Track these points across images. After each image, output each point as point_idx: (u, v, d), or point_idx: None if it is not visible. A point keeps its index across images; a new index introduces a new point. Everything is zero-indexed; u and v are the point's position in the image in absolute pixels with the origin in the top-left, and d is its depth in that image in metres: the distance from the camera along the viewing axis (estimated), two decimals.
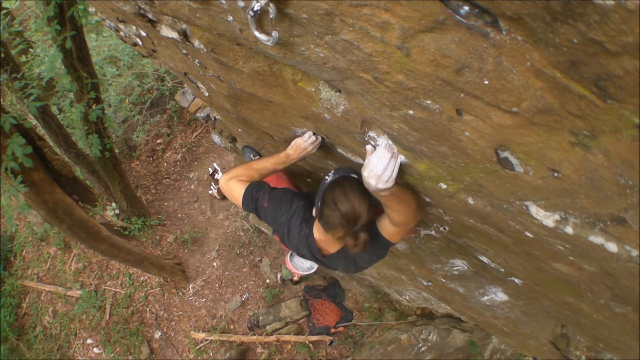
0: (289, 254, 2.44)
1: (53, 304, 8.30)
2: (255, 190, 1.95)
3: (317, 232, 1.87)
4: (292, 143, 2.00)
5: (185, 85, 7.28)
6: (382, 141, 1.49)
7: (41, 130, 6.22)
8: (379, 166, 1.45)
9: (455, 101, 1.06)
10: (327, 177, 1.77)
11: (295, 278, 7.22)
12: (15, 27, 7.12)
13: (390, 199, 1.58)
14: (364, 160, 1.55)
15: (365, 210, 1.62)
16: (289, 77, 1.56)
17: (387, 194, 1.54)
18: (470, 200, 1.49)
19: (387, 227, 1.79)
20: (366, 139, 1.54)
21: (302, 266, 2.47)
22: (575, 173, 1.03)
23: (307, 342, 7.10)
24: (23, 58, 6.63)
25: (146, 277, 8.04)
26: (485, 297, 2.88)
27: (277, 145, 2.66)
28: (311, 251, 1.93)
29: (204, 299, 7.79)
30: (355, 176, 1.69)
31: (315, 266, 2.45)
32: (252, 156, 3.05)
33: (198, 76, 2.24)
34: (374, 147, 1.52)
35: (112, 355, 7.68)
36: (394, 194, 1.56)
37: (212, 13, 1.32)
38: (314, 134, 1.94)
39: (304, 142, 1.96)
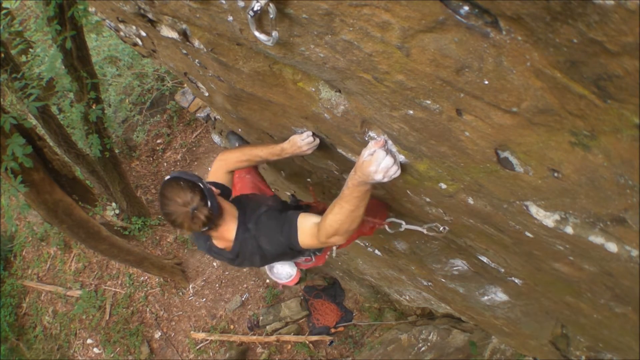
0: (267, 267, 2.45)
1: (53, 304, 8.30)
2: None
3: (212, 236, 1.91)
4: (290, 138, 2.02)
5: (185, 85, 7.28)
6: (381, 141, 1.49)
7: (41, 130, 6.23)
8: (388, 159, 1.43)
9: (455, 101, 1.06)
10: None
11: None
12: (15, 27, 7.12)
13: (359, 196, 1.52)
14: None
15: (190, 194, 1.64)
16: (289, 77, 1.56)
17: (364, 189, 1.50)
18: (470, 200, 1.49)
19: (308, 226, 1.72)
20: (366, 139, 1.54)
21: (281, 275, 2.48)
22: (575, 173, 1.03)
23: (307, 342, 7.10)
24: (23, 58, 6.63)
25: (146, 277, 8.04)
26: (485, 297, 2.88)
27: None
28: (221, 255, 1.97)
29: (204, 299, 7.79)
30: (170, 176, 1.72)
31: (293, 273, 2.45)
32: (236, 144, 3.05)
33: (198, 76, 2.24)
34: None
35: (112, 355, 7.68)
36: (366, 192, 1.53)
37: (212, 13, 1.32)
38: (313, 134, 1.94)
39: (301, 141, 1.96)
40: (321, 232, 1.66)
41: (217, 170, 2.12)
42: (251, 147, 2.19)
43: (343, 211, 1.57)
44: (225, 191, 2.04)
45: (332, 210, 1.60)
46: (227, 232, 1.84)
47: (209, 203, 1.68)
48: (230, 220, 1.83)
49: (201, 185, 1.70)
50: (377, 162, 1.44)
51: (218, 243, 1.92)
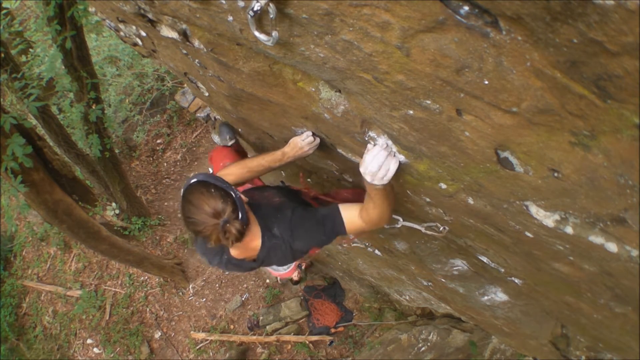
0: None
1: (53, 304, 8.30)
2: None
3: (231, 250, 1.80)
4: (290, 141, 2.00)
5: (185, 85, 7.28)
6: (381, 141, 1.50)
7: (41, 130, 6.23)
8: (374, 164, 1.48)
9: (455, 101, 1.06)
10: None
11: (295, 278, 7.22)
12: (15, 27, 7.12)
13: (378, 194, 1.61)
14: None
15: (221, 204, 1.51)
16: (289, 77, 1.56)
17: (380, 188, 1.57)
18: (470, 200, 1.49)
19: (353, 218, 1.77)
20: (366, 139, 1.54)
21: (279, 267, 2.46)
22: (575, 173, 1.03)
23: (307, 342, 7.10)
24: (23, 58, 6.63)
25: (146, 277, 8.04)
26: (485, 297, 2.88)
27: (277, 145, 2.66)
28: (241, 266, 1.90)
29: (204, 299, 7.79)
30: (197, 179, 1.58)
31: (291, 265, 2.45)
32: (227, 137, 3.02)
33: (198, 76, 2.24)
34: (374, 145, 1.53)
35: (112, 355, 7.68)
36: (385, 191, 1.59)
37: (212, 13, 1.32)
38: (313, 134, 1.94)
39: (302, 142, 1.95)
40: (368, 223, 1.74)
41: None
42: (251, 157, 2.11)
43: (378, 209, 1.67)
44: None
45: (372, 206, 1.67)
46: (252, 241, 1.75)
47: (240, 215, 1.55)
48: (254, 228, 1.73)
49: (233, 195, 1.57)
50: (364, 164, 1.51)
51: (238, 254, 1.81)
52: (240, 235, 1.56)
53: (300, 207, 1.88)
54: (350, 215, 1.78)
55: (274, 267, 2.42)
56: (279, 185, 2.40)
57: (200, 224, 1.50)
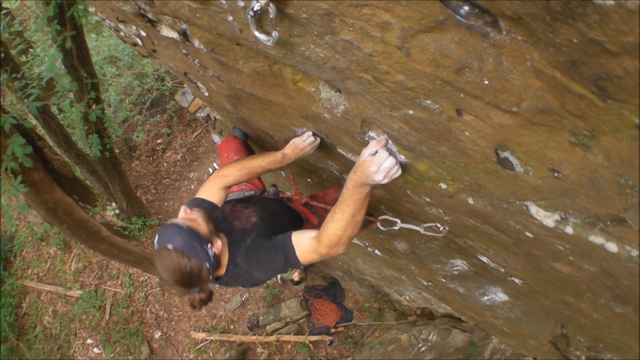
0: None
1: (53, 304, 8.30)
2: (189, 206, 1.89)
3: None
4: (290, 142, 1.97)
5: (185, 85, 7.28)
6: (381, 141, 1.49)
7: (41, 130, 6.23)
8: (390, 160, 1.43)
9: (455, 101, 1.06)
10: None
11: (296, 278, 7.23)
12: (15, 27, 7.12)
13: (360, 199, 1.49)
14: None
15: (193, 279, 1.54)
16: (289, 77, 1.56)
17: (366, 192, 1.48)
18: (470, 200, 1.49)
19: (305, 242, 1.65)
20: (366, 138, 1.54)
21: None
22: (575, 173, 1.03)
23: (307, 342, 7.10)
24: (23, 58, 6.63)
25: (146, 277, 8.04)
26: (485, 297, 2.88)
27: (277, 145, 2.66)
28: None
29: None
30: (174, 245, 1.54)
31: None
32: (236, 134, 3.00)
33: (198, 76, 2.24)
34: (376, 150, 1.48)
35: (112, 355, 7.69)
36: (367, 196, 1.50)
37: (212, 13, 1.32)
38: (314, 134, 1.94)
39: (302, 142, 1.94)
40: (322, 244, 1.58)
41: (212, 186, 1.96)
42: (251, 158, 2.08)
43: (345, 217, 1.51)
44: (213, 210, 1.92)
45: (332, 218, 1.54)
46: (218, 269, 1.74)
47: (208, 292, 1.61)
48: (223, 257, 1.73)
49: (208, 265, 1.58)
50: (379, 162, 1.42)
51: None
52: (205, 303, 1.63)
53: (261, 235, 1.79)
54: (302, 239, 1.66)
55: None
56: (268, 196, 2.33)
57: (169, 285, 1.56)
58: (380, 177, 1.43)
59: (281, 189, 2.49)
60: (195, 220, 1.63)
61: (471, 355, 4.94)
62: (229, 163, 2.07)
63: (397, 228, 2.01)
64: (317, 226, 2.10)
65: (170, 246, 1.52)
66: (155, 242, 1.59)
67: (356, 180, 1.47)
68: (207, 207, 1.87)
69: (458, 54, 0.93)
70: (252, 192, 2.46)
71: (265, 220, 1.91)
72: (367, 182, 1.45)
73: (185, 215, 1.65)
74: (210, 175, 2.05)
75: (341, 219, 1.51)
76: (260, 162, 2.01)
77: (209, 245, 1.61)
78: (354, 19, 0.99)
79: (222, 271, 1.74)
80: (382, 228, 2.10)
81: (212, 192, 1.95)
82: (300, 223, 2.28)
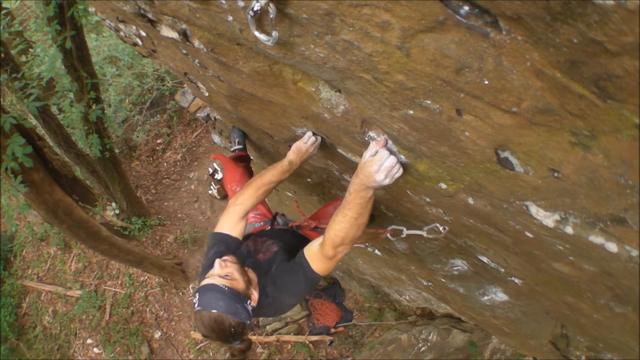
0: None
1: (53, 304, 8.30)
2: (210, 245, 1.95)
3: None
4: (293, 147, 1.95)
5: (185, 85, 7.28)
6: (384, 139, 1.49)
7: (41, 130, 6.23)
8: (391, 159, 1.43)
9: (455, 101, 1.06)
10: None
11: None
12: (15, 27, 7.12)
13: (363, 202, 1.48)
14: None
15: (235, 340, 1.62)
16: (289, 77, 1.56)
17: (370, 195, 1.47)
18: (470, 200, 1.49)
19: (314, 251, 1.67)
20: (366, 139, 1.53)
21: None
22: (575, 173, 1.03)
23: (307, 342, 7.10)
24: (23, 58, 6.63)
25: (146, 277, 8.04)
26: (485, 297, 2.88)
27: (276, 145, 2.66)
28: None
29: None
30: (219, 311, 1.61)
31: None
32: (236, 141, 3.00)
33: (198, 76, 2.24)
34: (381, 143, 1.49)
35: (112, 355, 7.68)
36: (371, 198, 1.49)
37: (212, 13, 1.32)
38: (314, 134, 1.94)
39: (304, 145, 1.93)
40: (327, 246, 1.59)
41: (232, 218, 1.95)
42: (260, 176, 2.06)
43: (347, 219, 1.51)
44: (238, 246, 1.96)
45: (335, 220, 1.54)
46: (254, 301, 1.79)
47: (247, 335, 1.67)
48: (255, 290, 1.77)
49: (249, 323, 1.66)
50: (380, 161, 1.42)
51: None
52: (244, 353, 1.69)
53: (283, 261, 1.85)
54: (311, 250, 1.69)
55: None
56: (279, 227, 2.37)
57: (210, 339, 1.64)
58: (381, 177, 1.42)
59: (287, 215, 2.53)
60: (233, 277, 1.69)
61: (471, 355, 4.94)
62: (241, 190, 2.04)
63: (404, 236, 2.04)
64: None
65: (214, 311, 1.59)
66: (196, 302, 1.65)
67: (358, 183, 1.46)
68: (233, 245, 1.92)
69: (458, 54, 0.93)
70: (262, 222, 2.49)
71: (284, 248, 1.96)
72: (370, 184, 1.45)
73: (222, 272, 1.69)
74: (227, 206, 2.04)
75: (343, 222, 1.52)
76: (270, 177, 2.00)
77: (249, 302, 1.69)
78: (354, 19, 0.99)
79: (255, 303, 1.77)
80: (391, 238, 2.13)
81: (232, 224, 1.95)
82: None
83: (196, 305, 1.65)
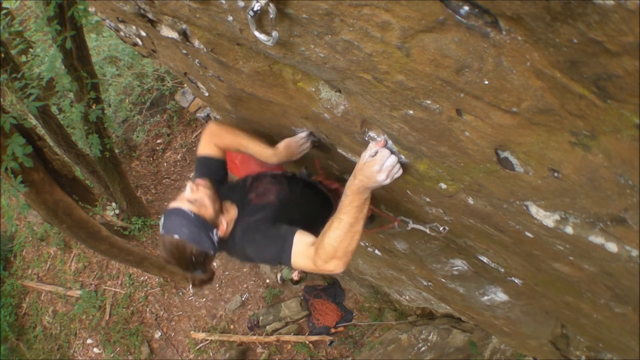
0: None
1: (53, 304, 8.30)
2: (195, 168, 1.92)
3: None
4: (284, 141, 1.88)
5: (185, 85, 7.28)
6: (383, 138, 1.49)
7: (41, 130, 6.23)
8: (392, 158, 1.41)
9: (455, 101, 1.06)
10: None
11: (296, 278, 7.23)
12: (15, 27, 7.12)
13: (360, 205, 1.43)
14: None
15: (196, 267, 1.59)
16: (289, 77, 1.56)
17: (366, 197, 1.43)
18: (470, 200, 1.49)
19: (303, 247, 1.55)
20: (366, 139, 1.54)
21: None
22: (575, 173, 1.03)
23: (307, 342, 7.10)
24: (23, 58, 6.63)
25: (146, 277, 8.04)
26: (485, 297, 2.88)
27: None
28: None
29: (204, 299, 7.79)
30: (179, 236, 1.55)
31: None
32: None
33: (198, 76, 2.24)
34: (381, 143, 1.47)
35: (112, 355, 7.69)
36: (367, 201, 1.45)
37: (212, 13, 1.32)
38: (310, 134, 1.93)
39: (295, 143, 1.89)
40: (318, 255, 1.47)
41: (209, 143, 1.93)
42: (247, 138, 1.96)
43: (342, 225, 1.43)
44: (222, 170, 1.91)
45: (330, 227, 1.46)
46: (221, 231, 1.72)
47: (210, 273, 1.66)
48: (229, 225, 1.72)
49: (212, 253, 1.62)
50: (381, 161, 1.40)
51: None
52: (205, 284, 1.68)
53: (267, 219, 1.71)
54: (303, 241, 1.55)
55: None
56: (298, 176, 2.18)
57: (172, 265, 1.60)
58: (383, 177, 1.40)
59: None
60: (202, 202, 1.62)
61: (471, 355, 4.94)
62: (224, 128, 1.99)
63: (409, 228, 2.05)
64: None
65: (176, 236, 1.55)
66: (161, 225, 1.61)
67: (357, 185, 1.42)
68: (215, 167, 1.87)
69: (458, 54, 0.93)
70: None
71: (282, 203, 1.82)
72: (369, 185, 1.41)
73: (192, 196, 1.62)
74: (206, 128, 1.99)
75: (338, 228, 1.43)
76: (252, 146, 1.92)
77: (215, 231, 1.63)
78: (354, 19, 0.99)
79: (222, 234, 1.71)
80: (398, 228, 2.13)
81: (211, 147, 1.91)
82: (329, 208, 2.14)
83: (160, 229, 1.61)
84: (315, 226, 1.66)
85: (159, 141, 8.85)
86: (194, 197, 1.63)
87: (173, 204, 1.64)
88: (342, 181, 1.71)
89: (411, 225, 2.04)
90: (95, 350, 7.87)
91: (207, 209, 1.62)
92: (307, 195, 2.06)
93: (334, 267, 1.48)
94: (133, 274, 8.09)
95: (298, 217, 1.78)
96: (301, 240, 1.56)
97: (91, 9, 2.49)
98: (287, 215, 1.76)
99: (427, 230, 1.96)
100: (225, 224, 1.68)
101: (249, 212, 1.76)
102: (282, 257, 1.58)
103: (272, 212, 1.75)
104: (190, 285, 1.70)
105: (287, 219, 1.70)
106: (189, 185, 1.66)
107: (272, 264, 1.72)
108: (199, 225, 1.58)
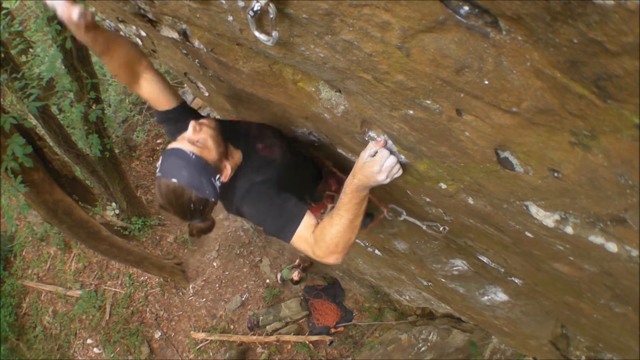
0: None
1: (53, 304, 8.30)
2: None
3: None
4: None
5: (185, 85, 7.28)
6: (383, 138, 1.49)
7: (41, 130, 6.23)
8: (392, 158, 1.40)
9: (455, 101, 1.06)
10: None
11: (296, 278, 7.24)
12: (15, 27, 7.11)
13: (358, 204, 1.43)
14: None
15: (195, 214, 1.45)
16: (289, 77, 1.56)
17: (364, 195, 1.42)
18: (470, 200, 1.49)
19: (307, 232, 1.50)
20: (366, 139, 1.54)
21: None
22: (575, 173, 1.03)
23: (307, 342, 7.11)
24: (23, 58, 6.63)
25: (146, 277, 8.04)
26: (485, 297, 2.88)
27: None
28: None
29: (204, 299, 7.79)
30: (178, 180, 1.41)
31: None
32: None
33: (198, 76, 2.24)
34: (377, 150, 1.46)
35: (112, 355, 7.69)
36: (365, 200, 1.44)
37: (212, 13, 1.32)
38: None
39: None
40: (319, 246, 1.47)
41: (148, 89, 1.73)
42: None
43: (343, 221, 1.43)
44: (186, 111, 1.74)
45: (331, 223, 1.45)
46: (224, 177, 1.58)
47: (207, 210, 1.49)
48: (229, 165, 1.57)
49: (213, 200, 1.48)
50: (381, 161, 1.40)
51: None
52: (205, 230, 1.54)
53: (271, 182, 1.61)
54: (308, 225, 1.51)
55: None
56: (294, 141, 2.05)
57: (167, 210, 1.46)
58: (383, 177, 1.40)
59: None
60: (205, 144, 1.48)
61: (471, 355, 4.94)
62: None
63: (401, 219, 1.99)
64: (337, 191, 1.95)
65: (174, 180, 1.40)
66: (158, 166, 1.46)
67: (356, 184, 1.42)
68: (180, 116, 1.69)
69: (458, 54, 0.93)
70: None
71: (284, 165, 1.73)
72: (369, 184, 1.42)
73: (194, 136, 1.47)
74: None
75: (339, 224, 1.44)
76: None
77: (217, 176, 1.50)
78: (354, 19, 0.99)
79: (225, 179, 1.57)
80: (388, 217, 2.06)
81: (159, 97, 1.73)
82: (317, 181, 2.08)
83: (157, 171, 1.46)
84: (302, 197, 1.61)
85: (159, 141, 8.85)
86: (197, 137, 1.47)
87: (173, 144, 1.49)
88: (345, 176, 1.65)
89: (404, 216, 1.97)
90: (95, 350, 7.87)
91: (210, 152, 1.48)
92: (306, 164, 2.00)
93: (334, 260, 1.48)
94: (133, 274, 8.09)
95: (296, 184, 1.71)
96: (307, 224, 1.52)
97: (91, 9, 2.49)
98: (288, 180, 1.69)
99: (424, 227, 1.93)
100: (229, 170, 1.54)
101: (256, 165, 1.66)
102: (284, 232, 1.52)
103: (276, 173, 1.67)
104: (189, 234, 1.56)
105: (288, 184, 1.64)
106: (192, 124, 1.50)
107: (268, 233, 1.58)
108: (200, 168, 1.43)
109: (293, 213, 1.53)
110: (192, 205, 1.43)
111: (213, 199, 1.49)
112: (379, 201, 2.08)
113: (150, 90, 1.73)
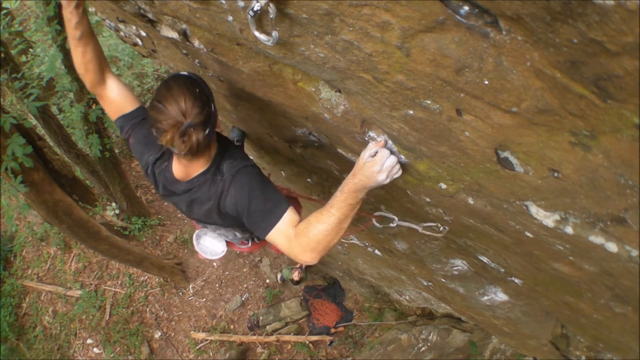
0: (194, 236, 2.10)
1: (53, 304, 8.30)
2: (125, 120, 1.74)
3: (174, 161, 1.67)
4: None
5: None
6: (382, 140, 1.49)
7: (41, 130, 6.23)
8: (392, 158, 1.40)
9: (455, 101, 1.06)
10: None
11: (296, 278, 7.24)
12: (15, 27, 7.12)
13: (352, 206, 1.41)
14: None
15: (196, 108, 1.42)
16: (289, 77, 1.56)
17: (359, 198, 1.42)
18: (470, 200, 1.49)
19: (287, 227, 1.48)
20: (366, 139, 1.54)
21: (206, 249, 2.19)
22: (575, 173, 1.03)
23: (307, 342, 7.11)
24: (23, 58, 6.63)
25: (146, 277, 8.04)
26: (485, 297, 2.88)
27: (276, 145, 2.66)
28: (167, 184, 1.69)
29: (204, 299, 7.79)
30: (189, 74, 1.50)
31: (219, 252, 2.16)
32: (235, 140, 2.79)
33: None
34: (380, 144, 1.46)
35: (112, 355, 7.68)
36: (359, 202, 1.43)
37: (212, 13, 1.32)
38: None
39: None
40: (299, 242, 1.43)
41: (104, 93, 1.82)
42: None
43: (332, 220, 1.40)
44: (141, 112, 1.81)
45: (319, 218, 1.42)
46: (197, 165, 1.60)
47: (207, 129, 1.47)
48: (207, 155, 1.60)
49: (213, 108, 1.50)
50: (382, 161, 1.39)
51: (178, 170, 1.66)
52: (196, 149, 1.46)
53: (259, 170, 1.64)
54: (289, 220, 1.49)
55: (201, 245, 2.14)
56: (230, 137, 2.03)
57: (165, 114, 1.41)
58: (383, 177, 1.39)
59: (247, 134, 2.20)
60: None
61: (471, 355, 4.94)
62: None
63: (394, 225, 1.95)
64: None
65: (184, 73, 1.47)
66: (165, 79, 1.52)
67: (355, 184, 1.41)
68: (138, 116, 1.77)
69: (458, 54, 0.93)
70: None
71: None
72: (368, 185, 1.41)
73: None
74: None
75: (327, 222, 1.41)
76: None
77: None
78: (354, 19, 0.99)
79: (200, 169, 1.59)
80: (377, 225, 2.03)
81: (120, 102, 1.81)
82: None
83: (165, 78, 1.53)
84: None
85: None
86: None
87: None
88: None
89: (397, 222, 1.91)
90: (95, 350, 7.86)
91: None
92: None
93: (310, 259, 1.45)
94: (133, 274, 8.09)
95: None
96: (289, 218, 1.50)
97: (91, 9, 2.49)
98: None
99: (420, 229, 1.90)
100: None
101: (238, 154, 1.69)
102: (263, 223, 1.51)
103: (255, 168, 1.68)
104: (182, 145, 1.43)
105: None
106: None
107: (249, 219, 1.55)
108: (207, 84, 1.53)
109: (275, 204, 1.53)
110: (204, 96, 1.46)
111: (213, 106, 1.52)
112: (367, 212, 2.05)
113: (119, 89, 1.79)
